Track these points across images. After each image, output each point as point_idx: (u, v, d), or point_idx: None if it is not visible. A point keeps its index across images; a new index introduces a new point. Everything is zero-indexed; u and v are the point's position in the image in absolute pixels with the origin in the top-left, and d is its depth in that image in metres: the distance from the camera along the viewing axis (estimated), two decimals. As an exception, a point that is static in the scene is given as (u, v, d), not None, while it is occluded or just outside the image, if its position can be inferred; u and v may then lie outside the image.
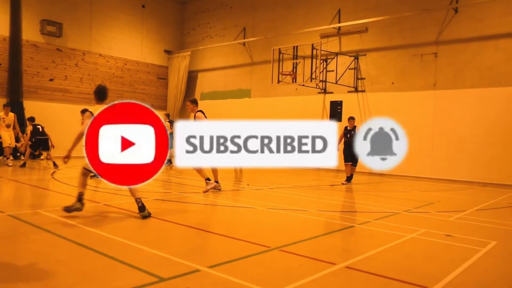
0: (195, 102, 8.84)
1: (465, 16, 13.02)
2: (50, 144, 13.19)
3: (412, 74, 14.08)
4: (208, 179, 8.46)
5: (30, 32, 16.40)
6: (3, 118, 12.50)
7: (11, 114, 12.71)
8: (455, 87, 13.17)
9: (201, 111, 8.85)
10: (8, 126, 12.50)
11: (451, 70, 13.28)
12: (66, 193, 7.89)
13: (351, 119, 11.19)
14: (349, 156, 10.79)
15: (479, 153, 12.63)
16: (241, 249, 4.39)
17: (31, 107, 16.07)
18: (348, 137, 11.00)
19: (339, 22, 15.59)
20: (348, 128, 11.08)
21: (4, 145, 12.70)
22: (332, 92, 16.03)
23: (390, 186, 11.41)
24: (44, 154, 15.98)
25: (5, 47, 15.82)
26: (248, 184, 10.46)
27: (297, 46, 14.87)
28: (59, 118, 16.87)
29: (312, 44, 14.34)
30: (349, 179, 11.21)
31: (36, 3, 16.57)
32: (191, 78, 21.13)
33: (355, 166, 11.15)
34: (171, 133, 14.42)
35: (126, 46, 19.57)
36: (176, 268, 3.66)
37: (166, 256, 4.01)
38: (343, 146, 10.94)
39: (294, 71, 15.09)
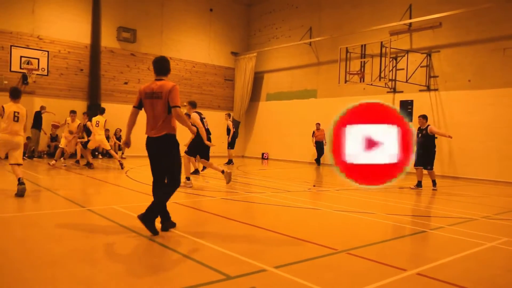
0: (191, 104, 9.33)
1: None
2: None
3: (492, 70, 13.14)
4: (223, 171, 9.45)
5: (107, 39, 17.50)
6: (68, 124, 13.14)
7: (76, 121, 13.18)
8: (540, 84, 12.11)
9: (198, 112, 9.25)
10: (71, 132, 12.98)
11: (536, 65, 12.22)
12: (138, 190, 8.30)
13: (423, 117, 10.32)
14: (420, 158, 10.01)
15: None
16: (307, 250, 4.35)
17: (108, 109, 17.12)
18: (419, 137, 10.12)
19: (410, 18, 14.95)
20: (421, 128, 10.22)
21: (60, 146, 13.13)
22: (402, 91, 15.41)
23: (465, 190, 10.74)
24: (119, 153, 17.00)
25: (86, 54, 17.00)
26: (314, 185, 10.36)
27: (365, 45, 14.49)
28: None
29: (381, 42, 13.89)
30: (419, 184, 10.36)
31: (113, 11, 17.63)
32: (257, 79, 21.35)
33: (431, 169, 10.16)
34: (234, 133, 14.52)
35: (194, 49, 20.22)
36: (242, 266, 3.70)
37: (233, 255, 4.07)
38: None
39: (362, 70, 14.71)
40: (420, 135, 10.12)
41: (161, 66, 4.89)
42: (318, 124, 17.21)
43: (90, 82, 17.02)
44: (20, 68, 15.23)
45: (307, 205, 7.54)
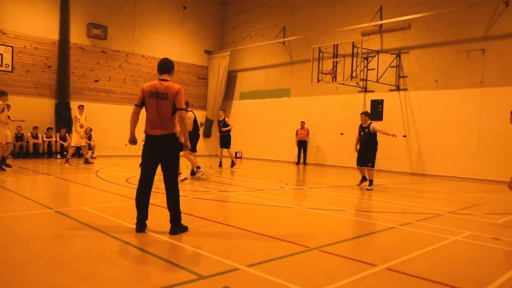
0: (186, 104, 9.85)
1: (516, 10, 12.41)
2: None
3: (457, 71, 13.58)
4: (198, 167, 10.45)
5: (77, 35, 17.12)
6: (79, 118, 13.50)
7: (83, 116, 13.78)
8: (504, 85, 12.60)
9: (191, 111, 10.17)
10: (81, 126, 13.64)
11: (499, 66, 12.70)
12: (108, 190, 8.18)
13: (365, 114, 9.90)
14: (361, 157, 9.86)
15: (530, 154, 12.02)
16: (280, 248, 4.39)
17: (75, 108, 16.78)
18: (361, 135, 9.84)
19: (381, 19, 15.26)
20: (363, 126, 9.86)
21: (72, 144, 13.79)
22: (373, 91, 15.72)
23: (433, 187, 11.06)
24: (89, 153, 16.67)
25: (54, 50, 16.58)
26: (287, 184, 10.45)
27: (337, 45, 14.70)
28: (103, 117, 17.52)
29: (353, 42, 14.11)
30: (364, 179, 10.05)
31: (83, 7, 17.25)
32: (231, 78, 21.33)
33: (372, 167, 9.78)
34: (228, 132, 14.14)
35: (167, 47, 20.01)
36: (215, 266, 3.71)
37: (205, 254, 4.08)
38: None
39: (334, 69, 14.92)
40: (362, 133, 9.85)
41: (165, 66, 5.02)
42: (302, 123, 17.28)
43: (58, 80, 16.62)
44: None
45: (280, 203, 7.61)
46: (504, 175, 12.40)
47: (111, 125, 17.64)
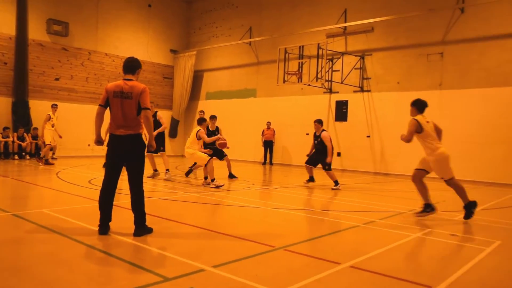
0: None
1: (472, 16, 12.96)
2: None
3: (418, 74, 14.03)
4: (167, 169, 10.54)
5: (36, 32, 16.52)
6: (52, 118, 13.08)
7: (56, 114, 13.37)
8: (461, 87, 13.12)
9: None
10: (53, 126, 13.19)
11: (457, 70, 13.22)
12: (70, 192, 7.94)
13: (318, 122, 9.94)
14: (311, 158, 10.08)
15: (483, 153, 12.58)
16: (246, 248, 4.40)
17: (37, 106, 16.20)
18: (315, 143, 9.97)
19: (345, 22, 15.56)
20: (316, 134, 9.96)
21: (47, 142, 13.30)
22: (337, 92, 16.01)
23: (395, 186, 11.38)
24: (50, 153, 16.12)
25: (11, 46, 15.93)
26: (253, 184, 10.47)
27: (303, 46, 14.86)
28: (65, 117, 16.99)
29: (318, 44, 14.32)
30: (311, 179, 10.23)
31: (42, 2, 16.67)
32: (197, 77, 21.18)
33: (329, 169, 9.79)
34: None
35: (132, 45, 19.64)
36: (180, 267, 3.68)
37: (170, 256, 4.03)
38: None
39: (300, 70, 15.08)
40: (316, 141, 9.95)
41: (130, 66, 4.94)
42: (268, 123, 17.34)
43: (15, 77, 15.97)
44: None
45: (246, 203, 7.62)
46: (461, 173, 12.91)
47: (73, 125, 17.14)
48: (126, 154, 4.82)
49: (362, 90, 15.34)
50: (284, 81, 15.18)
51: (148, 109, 4.80)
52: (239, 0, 19.62)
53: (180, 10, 21.74)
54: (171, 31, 21.34)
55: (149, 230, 4.89)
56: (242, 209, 7.10)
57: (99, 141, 4.95)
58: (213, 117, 11.58)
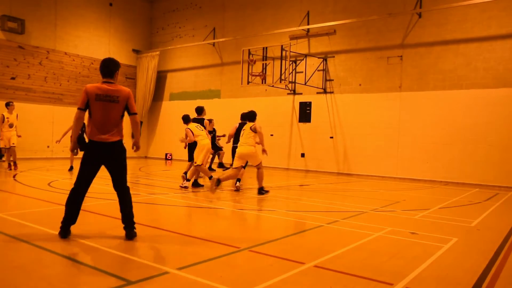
0: None
1: (429, 21, 13.45)
2: None
3: (379, 76, 14.41)
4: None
5: (-10, 29, 15.80)
6: (7, 117, 12.09)
7: (14, 114, 12.25)
8: (419, 89, 13.58)
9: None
10: (11, 126, 12.07)
11: (415, 72, 13.68)
12: (29, 195, 7.65)
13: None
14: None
15: (440, 153, 13.08)
16: (211, 250, 4.38)
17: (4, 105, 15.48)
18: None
19: (308, 24, 15.78)
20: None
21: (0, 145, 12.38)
22: (301, 93, 16.20)
23: (357, 186, 11.64)
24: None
25: (-37, 44, 15.17)
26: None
27: (266, 47, 14.94)
28: (22, 117, 16.29)
29: (282, 46, 14.43)
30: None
31: (-3, -2, 15.97)
32: (160, 78, 20.89)
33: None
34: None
35: (92, 44, 19.12)
36: (144, 270, 3.62)
37: (133, 259, 3.96)
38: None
39: (264, 72, 15.15)
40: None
41: (108, 70, 4.78)
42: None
43: (-32, 76, 15.22)
44: None
45: (210, 205, 7.58)
46: (420, 173, 13.38)
47: (31, 126, 16.50)
48: (109, 160, 4.68)
49: (325, 91, 15.60)
50: (248, 83, 15.20)
51: (136, 113, 4.82)
52: (202, 0, 19.50)
53: (142, 10, 21.37)
54: (133, 30, 20.93)
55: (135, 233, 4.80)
56: (206, 211, 7.05)
57: (75, 149, 4.74)
58: (210, 120, 11.74)
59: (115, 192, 4.85)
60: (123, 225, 4.78)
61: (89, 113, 4.65)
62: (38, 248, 4.21)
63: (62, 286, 3.26)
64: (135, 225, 4.85)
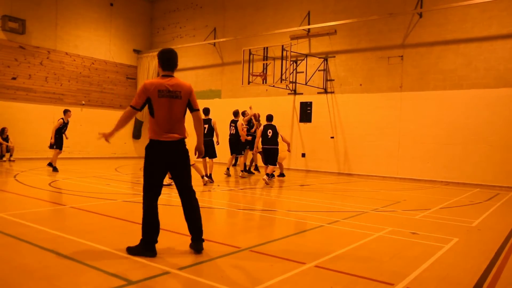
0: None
1: (429, 21, 13.44)
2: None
3: (379, 76, 14.41)
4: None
5: (-9, 29, 15.83)
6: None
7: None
8: (420, 89, 13.58)
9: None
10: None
11: (416, 72, 13.68)
12: (29, 195, 7.65)
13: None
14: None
15: (441, 153, 13.07)
16: (211, 250, 4.38)
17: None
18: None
19: (309, 24, 15.78)
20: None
21: None
22: (302, 93, 16.20)
23: (358, 186, 11.63)
24: (7, 155, 15.47)
25: (-36, 44, 15.20)
26: (218, 185, 10.44)
27: (267, 47, 14.94)
28: (23, 117, 16.37)
29: (282, 46, 14.43)
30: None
31: (-2, -2, 16.00)
32: (161, 78, 20.86)
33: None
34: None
35: (93, 45, 19.14)
36: (145, 270, 3.62)
37: (134, 259, 3.96)
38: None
39: (264, 72, 15.15)
40: None
41: (172, 61, 4.31)
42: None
43: (-31, 76, 15.24)
44: None
45: (211, 204, 7.58)
46: (421, 173, 13.38)
47: (32, 126, 16.53)
48: (176, 161, 4.26)
49: (325, 91, 15.60)
50: (249, 83, 15.21)
51: (199, 110, 4.40)
52: (203, 0, 19.51)
53: (143, 10, 21.38)
54: (134, 30, 20.95)
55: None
56: (207, 211, 7.06)
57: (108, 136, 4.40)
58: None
59: (180, 199, 4.46)
60: (190, 237, 4.34)
61: (151, 112, 4.27)
62: (39, 248, 4.21)
63: (63, 286, 3.26)
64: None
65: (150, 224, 4.21)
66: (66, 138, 12.59)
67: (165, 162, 4.22)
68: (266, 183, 10.70)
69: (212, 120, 11.15)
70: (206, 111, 11.40)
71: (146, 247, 4.10)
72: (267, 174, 11.01)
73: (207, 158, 10.87)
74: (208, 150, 10.57)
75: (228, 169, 12.66)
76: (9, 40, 16.37)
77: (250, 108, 13.71)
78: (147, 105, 4.26)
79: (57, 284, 3.29)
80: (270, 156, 11.30)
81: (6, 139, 15.43)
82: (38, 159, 16.37)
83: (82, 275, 3.52)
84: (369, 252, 4.56)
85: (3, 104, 15.66)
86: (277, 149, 11.34)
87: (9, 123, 15.62)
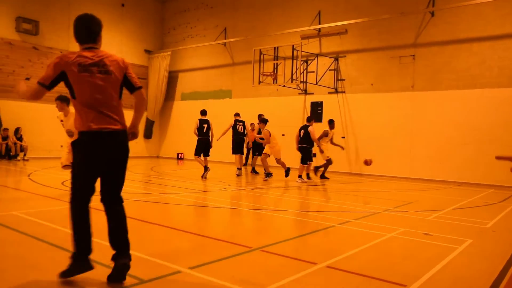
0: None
1: (441, 19, 13.30)
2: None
3: (391, 75, 14.30)
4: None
5: (4, 30, 16.02)
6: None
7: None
8: (432, 89, 13.45)
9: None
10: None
11: (428, 72, 13.55)
12: (42, 194, 7.74)
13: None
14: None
15: (454, 153, 12.92)
16: (223, 250, 4.38)
17: (7, 107, 15.71)
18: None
19: (319, 24, 15.72)
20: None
21: None
22: (312, 93, 16.14)
23: (370, 186, 11.56)
24: (21, 154, 15.67)
25: (-21, 45, 15.42)
26: (229, 185, 10.45)
27: (277, 47, 14.92)
28: (36, 117, 16.55)
29: (293, 45, 14.40)
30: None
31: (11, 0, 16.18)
32: (172, 78, 20.98)
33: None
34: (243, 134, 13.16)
35: (105, 45, 18.54)
36: (156, 269, 3.63)
37: (146, 258, 3.97)
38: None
39: (275, 72, 15.13)
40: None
41: (93, 30, 3.47)
42: (252, 124, 17.10)
43: (-17, 77, 15.45)
44: None
45: (222, 204, 7.59)
46: (434, 174, 13.24)
47: (44, 125, 16.71)
48: (112, 159, 3.36)
49: (336, 91, 15.52)
50: (260, 82, 15.20)
51: (141, 87, 3.56)
52: (213, 0, 19.55)
53: (154, 10, 21.49)
54: (145, 31, 21.07)
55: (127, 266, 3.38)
56: (218, 210, 7.06)
57: None
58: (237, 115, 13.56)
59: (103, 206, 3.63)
60: (113, 251, 3.48)
61: (71, 93, 3.30)
62: (52, 246, 4.25)
63: (75, 283, 3.28)
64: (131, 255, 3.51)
65: (80, 234, 3.39)
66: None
67: (97, 161, 3.29)
68: (303, 181, 11.60)
69: (209, 121, 12.10)
70: (204, 112, 12.43)
71: (80, 263, 3.31)
72: (299, 176, 11.70)
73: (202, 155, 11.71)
74: (206, 147, 11.77)
75: (239, 169, 12.73)
76: (23, 41, 16.57)
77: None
78: (66, 86, 3.33)
79: (69, 281, 3.31)
80: (304, 154, 11.86)
81: (20, 139, 15.64)
82: (50, 158, 16.54)
83: (94, 273, 3.54)
84: (381, 253, 4.52)
85: (17, 104, 15.84)
86: (308, 148, 11.85)
87: (23, 123, 15.81)
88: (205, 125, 11.87)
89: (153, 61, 20.94)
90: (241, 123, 13.09)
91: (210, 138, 11.88)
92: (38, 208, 6.46)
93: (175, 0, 21.15)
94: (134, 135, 3.62)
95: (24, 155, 15.58)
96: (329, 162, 12.46)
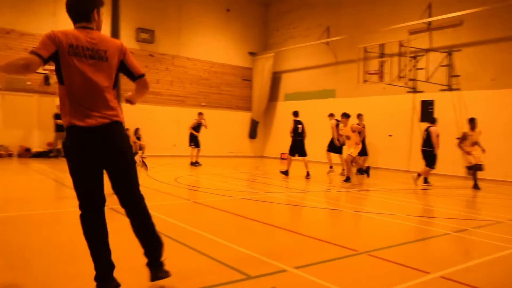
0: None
1: None
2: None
3: (515, 69, 12.83)
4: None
5: (127, 40, 17.69)
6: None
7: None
8: None
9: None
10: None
11: (562, 63, 11.89)
12: (159, 189, 8.35)
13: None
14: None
15: None
16: (328, 251, 4.31)
17: (126, 109, 17.30)
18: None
19: (430, 16, 14.72)
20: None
21: None
22: (422, 91, 15.18)
23: (491, 192, 10.50)
24: (140, 153, 17.15)
25: (105, 54, 17.22)
26: (334, 186, 10.29)
27: (383, 44, 14.32)
28: (152, 119, 18.04)
29: (400, 41, 13.69)
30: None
31: (132, 12, 17.80)
32: (275, 79, 21.31)
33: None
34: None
35: (212, 49, 20.30)
36: (263, 267, 3.69)
37: (253, 255, 4.06)
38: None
39: (381, 69, 14.54)
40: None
41: (83, 5, 2.97)
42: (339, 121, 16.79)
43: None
44: (42, 69, 15.52)
45: (327, 205, 7.49)
46: None
47: (159, 126, 18.14)
48: (105, 157, 2.92)
49: (450, 88, 14.39)
50: (365, 81, 14.74)
51: (144, 75, 3.20)
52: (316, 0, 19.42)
53: (258, 13, 22.05)
54: (249, 33, 21.71)
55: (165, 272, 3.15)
56: (322, 211, 6.98)
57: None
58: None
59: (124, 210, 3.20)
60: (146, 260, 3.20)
61: (59, 78, 2.84)
62: (169, 239, 4.55)
63: (186, 275, 3.46)
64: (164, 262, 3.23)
65: (96, 251, 2.96)
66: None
67: (92, 159, 2.88)
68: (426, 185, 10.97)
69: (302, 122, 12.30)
70: (296, 113, 12.67)
71: (103, 284, 2.90)
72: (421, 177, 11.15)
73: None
74: (302, 148, 12.00)
75: (308, 172, 11.80)
76: (141, 49, 18.17)
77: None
78: (56, 70, 2.86)
79: (180, 273, 3.49)
80: (426, 158, 11.13)
81: (139, 138, 17.17)
82: (165, 156, 17.87)
83: (203, 266, 3.71)
84: (506, 268, 4.06)
85: (137, 107, 17.35)
86: (429, 151, 11.07)
87: (141, 124, 17.30)
88: (300, 126, 12.03)
89: (257, 62, 21.49)
90: (301, 124, 12.32)
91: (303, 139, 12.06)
92: (155, 202, 6.99)
93: (278, 2, 21.45)
94: (130, 102, 3.36)
95: (143, 153, 17.03)
96: (474, 168, 10.79)
